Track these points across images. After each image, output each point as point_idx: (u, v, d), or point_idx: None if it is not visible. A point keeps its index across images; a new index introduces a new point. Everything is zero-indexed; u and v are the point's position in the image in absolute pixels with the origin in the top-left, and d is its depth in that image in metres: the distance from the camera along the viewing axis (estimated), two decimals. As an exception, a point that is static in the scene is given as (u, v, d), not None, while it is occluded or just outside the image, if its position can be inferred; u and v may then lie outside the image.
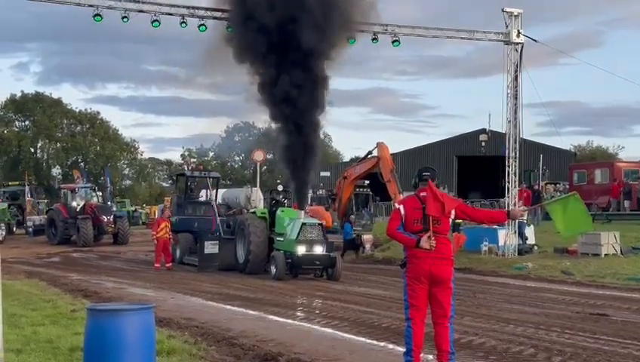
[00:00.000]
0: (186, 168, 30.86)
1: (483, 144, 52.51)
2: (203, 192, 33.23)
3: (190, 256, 25.88)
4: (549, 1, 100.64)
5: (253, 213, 24.27)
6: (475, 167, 54.69)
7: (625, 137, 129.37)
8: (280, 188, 24.78)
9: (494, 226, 23.44)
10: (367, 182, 34.81)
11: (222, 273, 23.62)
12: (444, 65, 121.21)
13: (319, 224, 22.50)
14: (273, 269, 21.18)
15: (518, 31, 24.55)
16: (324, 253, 21.18)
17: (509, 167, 25.78)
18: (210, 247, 22.25)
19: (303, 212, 22.45)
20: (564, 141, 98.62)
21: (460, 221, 9.02)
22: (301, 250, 20.66)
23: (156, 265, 25.51)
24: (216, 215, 25.34)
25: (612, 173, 39.60)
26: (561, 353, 10.65)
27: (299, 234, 20.79)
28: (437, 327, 8.61)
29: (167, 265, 25.33)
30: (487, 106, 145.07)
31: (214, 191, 30.21)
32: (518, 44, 24.69)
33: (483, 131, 52.90)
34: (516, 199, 26.04)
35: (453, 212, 8.76)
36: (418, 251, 8.53)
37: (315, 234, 21.27)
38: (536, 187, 38.21)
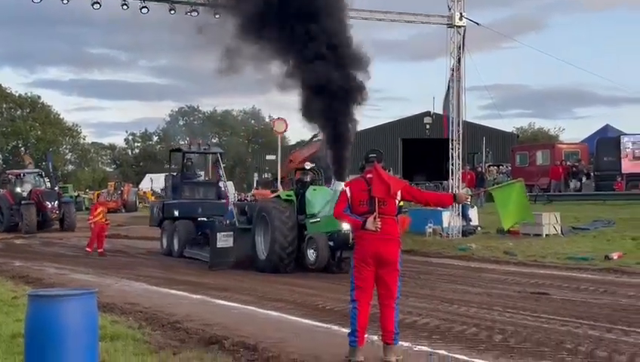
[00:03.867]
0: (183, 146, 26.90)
1: (427, 127, 53.07)
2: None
3: (192, 249, 22.28)
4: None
5: (277, 196, 20.41)
6: (420, 150, 55.02)
7: (566, 119, 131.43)
8: (307, 166, 20.50)
9: (439, 208, 23.47)
10: (312, 165, 34.43)
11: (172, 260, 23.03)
12: (389, 48, 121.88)
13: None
14: (312, 255, 17.62)
15: (461, 14, 24.99)
16: None
17: (452, 149, 26.16)
18: (224, 240, 18.58)
19: (343, 184, 18.59)
20: (507, 123, 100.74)
21: (402, 203, 9.03)
22: (347, 227, 15.98)
23: (87, 248, 25.33)
24: (230, 199, 22.73)
25: (553, 155, 41.22)
26: (502, 331, 10.86)
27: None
28: (383, 308, 8.78)
29: (99, 250, 24.99)
30: (432, 90, 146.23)
31: (220, 169, 25.35)
32: (460, 27, 25.21)
33: (427, 114, 53.45)
34: (460, 181, 26.44)
35: (399, 193, 8.86)
36: (364, 233, 8.69)
37: None
38: (480, 169, 39.41)
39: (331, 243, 17.51)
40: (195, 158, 26.48)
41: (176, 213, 23.57)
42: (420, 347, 9.72)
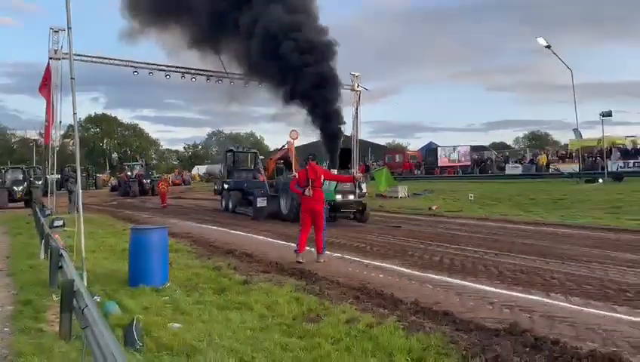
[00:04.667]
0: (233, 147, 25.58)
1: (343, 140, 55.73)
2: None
3: (240, 207, 21.29)
4: (374, 65, 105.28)
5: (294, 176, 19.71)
6: (341, 154, 55.72)
7: (411, 138, 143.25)
8: (311, 156, 19.20)
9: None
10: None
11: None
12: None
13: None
14: None
15: (358, 84, 25.97)
16: (356, 199, 16.96)
17: (352, 152, 27.54)
18: (261, 201, 18.20)
19: (335, 170, 17.13)
20: (382, 140, 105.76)
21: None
22: (339, 197, 16.33)
23: (162, 204, 26.31)
24: (265, 178, 20.68)
25: (404, 157, 46.59)
26: (375, 245, 11.14)
27: (336, 185, 16.20)
28: (316, 235, 9.31)
29: (164, 204, 25.91)
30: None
31: (258, 163, 23.45)
32: (357, 91, 26.37)
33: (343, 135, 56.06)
34: (357, 169, 27.60)
35: (322, 176, 9.56)
36: (305, 197, 9.41)
37: (348, 186, 16.60)
38: (367, 164, 43.49)
39: (329, 207, 15.06)
40: (241, 155, 25.16)
41: (232, 186, 22.57)
42: (336, 254, 10.01)
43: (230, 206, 21.95)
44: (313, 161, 9.72)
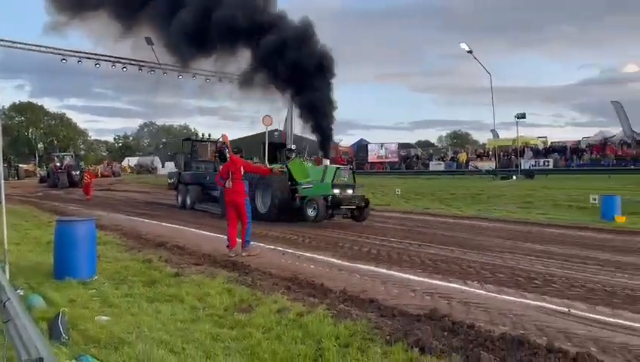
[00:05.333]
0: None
1: (276, 135, 54.41)
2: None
3: (201, 204, 18.62)
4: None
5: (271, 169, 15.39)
6: (273, 148, 55.09)
7: (343, 135, 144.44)
8: (293, 147, 16.51)
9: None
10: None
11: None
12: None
13: (350, 168, 15.66)
14: (312, 212, 13.66)
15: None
16: (356, 193, 14.55)
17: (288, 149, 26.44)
18: None
19: (328, 161, 15.41)
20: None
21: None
22: (336, 191, 13.89)
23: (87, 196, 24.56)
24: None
25: (336, 152, 48.81)
26: (307, 237, 11.19)
27: (334, 178, 14.00)
28: (242, 228, 9.18)
29: (88, 197, 24.16)
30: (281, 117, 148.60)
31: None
32: None
33: (277, 130, 54.93)
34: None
35: (242, 168, 9.32)
36: (226, 189, 9.27)
37: (347, 178, 14.42)
38: (302, 158, 43.24)
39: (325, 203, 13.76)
40: (200, 145, 21.74)
41: (190, 180, 19.72)
42: (269, 246, 9.97)
43: (188, 202, 19.16)
44: (235, 156, 9.62)
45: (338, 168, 14.60)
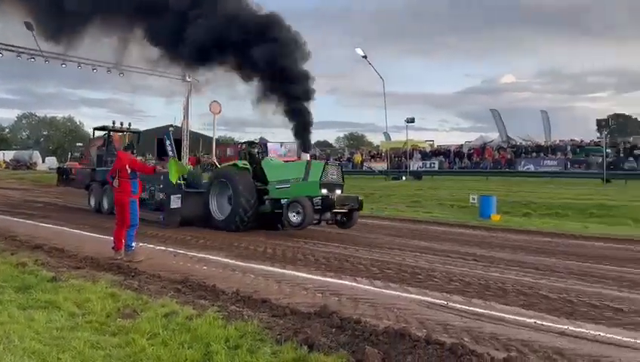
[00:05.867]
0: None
1: (171, 130, 52.87)
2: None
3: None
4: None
5: (234, 165, 13.23)
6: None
7: (243, 133, 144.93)
8: (257, 140, 12.73)
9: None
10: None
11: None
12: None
13: (339, 165, 13.33)
14: (296, 217, 11.20)
15: (188, 75, 23.73)
16: (348, 194, 12.20)
17: (184, 145, 25.87)
18: (176, 201, 12.94)
19: (308, 155, 13.15)
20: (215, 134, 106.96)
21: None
22: (324, 191, 11.47)
23: None
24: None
25: (235, 150, 45.38)
26: (199, 237, 11.09)
27: (322, 176, 11.59)
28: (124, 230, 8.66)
29: None
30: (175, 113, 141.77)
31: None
32: (185, 81, 24.12)
33: (170, 125, 53.30)
34: (187, 161, 26.26)
35: (127, 166, 8.76)
36: (113, 188, 8.82)
37: (335, 176, 12.02)
38: (198, 156, 41.21)
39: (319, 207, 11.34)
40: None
41: (100, 178, 16.72)
42: (159, 247, 9.69)
43: (106, 206, 16.09)
44: (124, 152, 9.10)
45: (327, 164, 12.16)
